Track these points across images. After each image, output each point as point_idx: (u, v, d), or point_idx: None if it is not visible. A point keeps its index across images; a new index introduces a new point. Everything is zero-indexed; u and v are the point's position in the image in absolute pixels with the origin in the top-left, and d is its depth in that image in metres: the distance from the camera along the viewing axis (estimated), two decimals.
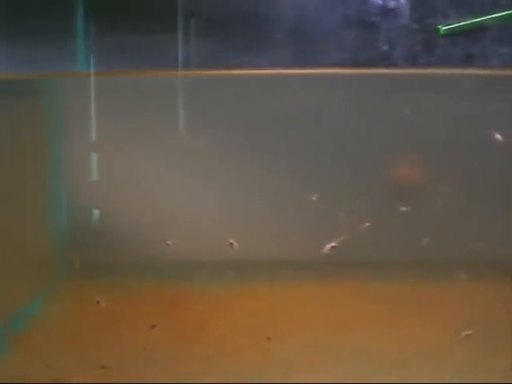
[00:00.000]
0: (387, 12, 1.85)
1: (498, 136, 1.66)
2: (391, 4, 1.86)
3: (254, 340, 1.49)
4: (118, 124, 1.74)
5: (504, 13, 1.87)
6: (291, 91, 1.75)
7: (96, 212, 1.75)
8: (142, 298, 1.58)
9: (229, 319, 1.56)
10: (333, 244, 1.57)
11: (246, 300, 1.64)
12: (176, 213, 1.76)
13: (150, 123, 1.74)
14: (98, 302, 1.48)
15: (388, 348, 1.47)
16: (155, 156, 1.78)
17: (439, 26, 1.84)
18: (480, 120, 1.70)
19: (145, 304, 1.55)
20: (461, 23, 1.85)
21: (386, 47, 1.83)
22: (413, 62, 1.83)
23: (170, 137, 1.73)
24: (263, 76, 1.76)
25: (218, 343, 1.47)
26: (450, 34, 1.85)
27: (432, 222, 1.69)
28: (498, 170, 1.70)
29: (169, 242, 1.60)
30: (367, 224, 1.65)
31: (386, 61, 1.82)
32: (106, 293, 1.53)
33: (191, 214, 1.77)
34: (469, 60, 1.82)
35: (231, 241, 1.62)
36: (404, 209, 1.67)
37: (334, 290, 1.69)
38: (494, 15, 1.87)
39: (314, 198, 1.64)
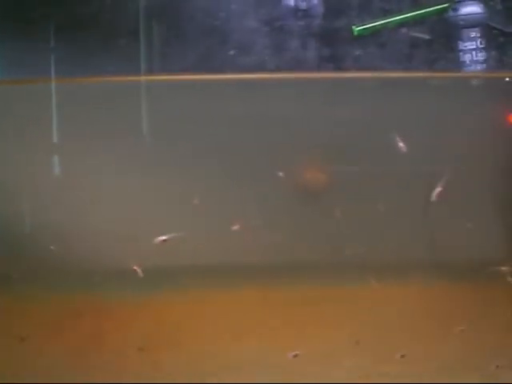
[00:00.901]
0: (298, 13, 1.81)
1: (401, 145, 1.60)
2: (303, 5, 1.82)
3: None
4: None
5: (421, 11, 1.81)
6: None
7: None
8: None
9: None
10: (164, 237, 1.52)
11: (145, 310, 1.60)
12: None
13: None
14: None
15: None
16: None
17: (353, 27, 1.79)
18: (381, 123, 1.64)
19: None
20: (375, 23, 1.80)
21: (295, 50, 1.79)
22: (325, 65, 1.78)
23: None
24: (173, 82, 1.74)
25: None
26: (364, 34, 1.80)
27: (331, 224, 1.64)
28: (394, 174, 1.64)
29: (52, 247, 1.57)
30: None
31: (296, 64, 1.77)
32: None
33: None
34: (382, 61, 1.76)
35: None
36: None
37: (239, 295, 1.64)
38: (411, 13, 1.81)
39: (195, 202, 1.59)
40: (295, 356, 1.39)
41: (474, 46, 1.74)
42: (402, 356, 1.36)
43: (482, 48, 1.74)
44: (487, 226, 1.61)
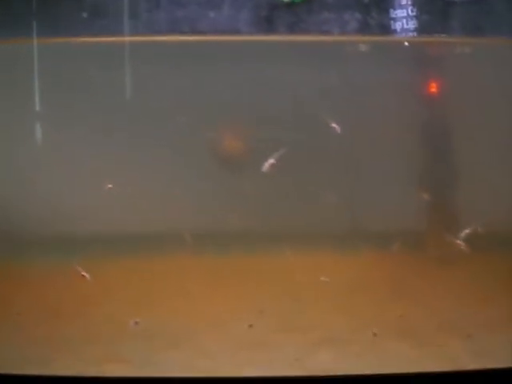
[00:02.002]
0: None
1: (335, 126, 1.53)
2: None
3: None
4: None
5: None
6: None
7: None
8: None
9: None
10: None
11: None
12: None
13: None
14: None
15: None
16: None
17: None
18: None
19: None
20: None
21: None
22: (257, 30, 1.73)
23: None
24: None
25: None
26: (294, 2, 1.75)
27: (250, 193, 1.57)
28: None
29: None
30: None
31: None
32: None
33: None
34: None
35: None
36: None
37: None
38: None
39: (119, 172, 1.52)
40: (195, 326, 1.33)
41: (405, 14, 1.68)
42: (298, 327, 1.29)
43: (413, 16, 1.68)
44: (403, 196, 1.55)
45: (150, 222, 1.61)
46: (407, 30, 1.69)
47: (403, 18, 1.68)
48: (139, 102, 1.56)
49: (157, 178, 1.63)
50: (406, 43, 1.57)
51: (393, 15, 1.69)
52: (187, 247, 1.50)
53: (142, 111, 1.56)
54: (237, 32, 1.71)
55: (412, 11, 1.68)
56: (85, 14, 1.63)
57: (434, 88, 1.61)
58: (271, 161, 1.48)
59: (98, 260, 1.54)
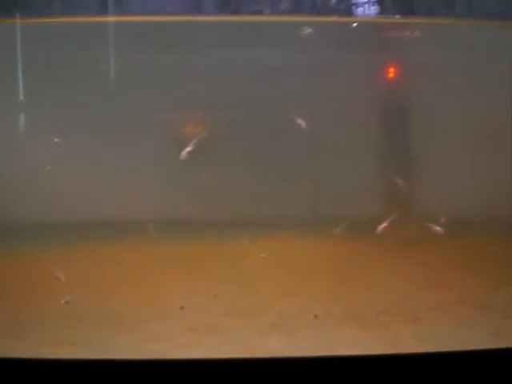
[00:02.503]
0: None
1: (301, 122, 1.52)
2: None
3: None
4: None
5: None
6: None
7: None
8: None
9: None
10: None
11: None
12: None
13: None
14: None
15: None
16: None
17: None
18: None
19: None
20: None
21: None
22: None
23: None
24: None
25: None
26: None
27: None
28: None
29: None
30: None
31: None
32: None
33: None
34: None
35: None
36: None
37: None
38: None
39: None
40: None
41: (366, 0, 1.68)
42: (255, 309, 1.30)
43: (375, 2, 1.68)
44: (359, 182, 1.56)
45: (109, 209, 1.61)
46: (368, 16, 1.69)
47: (364, 3, 1.68)
48: (92, 88, 1.55)
49: (115, 166, 1.63)
50: (355, 24, 1.56)
51: (354, 1, 1.69)
52: (145, 234, 1.50)
53: (94, 97, 1.56)
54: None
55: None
56: None
57: (392, 72, 1.61)
58: (188, 148, 1.47)
59: (60, 247, 1.54)
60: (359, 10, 1.68)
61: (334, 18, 1.63)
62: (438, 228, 1.48)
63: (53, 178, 1.60)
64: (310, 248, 1.50)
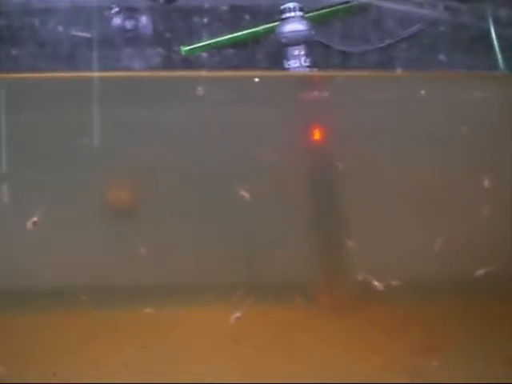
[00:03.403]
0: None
1: (244, 193, 1.51)
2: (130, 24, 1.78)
3: None
4: None
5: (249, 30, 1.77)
6: None
7: None
8: None
9: None
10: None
11: None
12: None
13: None
14: None
15: None
16: None
17: (181, 47, 1.75)
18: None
19: None
20: (202, 43, 1.76)
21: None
22: None
23: None
24: None
25: None
26: (192, 53, 1.75)
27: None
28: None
29: None
30: None
31: None
32: None
33: None
34: None
35: None
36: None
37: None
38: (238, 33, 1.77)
39: None
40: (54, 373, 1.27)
41: (298, 64, 1.68)
42: None
43: (307, 66, 1.68)
44: (294, 245, 1.52)
45: (31, 276, 1.56)
46: None
47: (296, 68, 1.69)
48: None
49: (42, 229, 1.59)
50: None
51: (286, 65, 1.69)
52: (65, 302, 1.46)
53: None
54: None
55: (305, 61, 1.68)
56: None
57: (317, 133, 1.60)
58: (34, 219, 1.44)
59: None
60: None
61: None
62: (375, 292, 1.44)
63: None
64: (231, 316, 1.45)
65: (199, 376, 1.25)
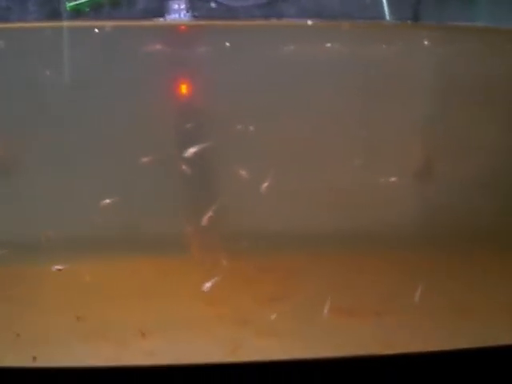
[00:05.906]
0: None
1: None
2: None
3: None
4: None
5: None
6: None
7: None
8: None
9: None
10: None
11: None
12: None
13: None
14: None
15: None
16: None
17: (66, 2, 1.76)
18: None
19: None
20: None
21: None
22: None
23: None
24: None
25: None
26: (77, 9, 1.77)
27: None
28: None
29: None
30: None
31: None
32: None
33: None
34: None
35: None
36: None
37: None
38: None
39: None
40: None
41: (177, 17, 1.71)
42: None
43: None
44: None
45: None
46: None
47: None
48: None
49: None
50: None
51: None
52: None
53: None
54: None
55: (185, 16, 1.71)
56: None
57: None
58: None
59: None
60: None
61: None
62: None
63: None
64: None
65: None
